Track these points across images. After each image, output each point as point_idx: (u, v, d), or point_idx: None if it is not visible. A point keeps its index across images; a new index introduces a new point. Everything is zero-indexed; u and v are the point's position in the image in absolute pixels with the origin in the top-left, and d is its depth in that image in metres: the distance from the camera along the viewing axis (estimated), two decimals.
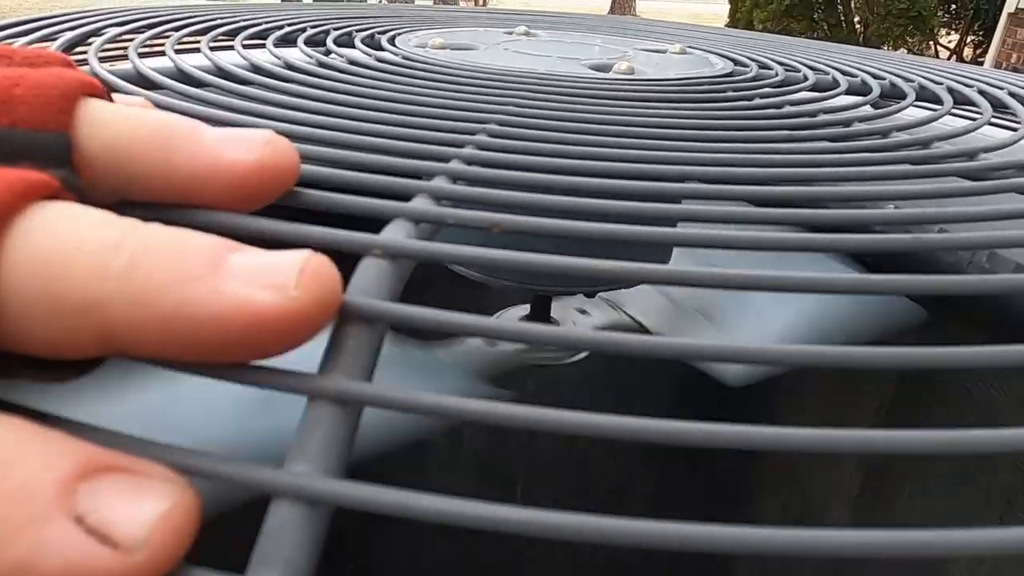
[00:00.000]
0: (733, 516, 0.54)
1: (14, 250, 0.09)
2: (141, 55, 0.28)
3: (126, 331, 0.09)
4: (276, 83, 0.25)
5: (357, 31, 0.40)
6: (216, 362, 0.10)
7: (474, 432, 0.49)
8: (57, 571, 0.08)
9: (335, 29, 0.41)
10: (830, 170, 0.19)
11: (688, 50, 0.42)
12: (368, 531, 0.49)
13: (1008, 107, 0.32)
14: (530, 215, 0.13)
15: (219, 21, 0.39)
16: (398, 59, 0.33)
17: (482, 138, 0.19)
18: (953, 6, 5.51)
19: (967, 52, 5.60)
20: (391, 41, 0.37)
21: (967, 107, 0.33)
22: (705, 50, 0.43)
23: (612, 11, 8.09)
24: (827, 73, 0.37)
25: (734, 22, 5.64)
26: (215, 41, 0.35)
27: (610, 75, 0.33)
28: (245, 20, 0.40)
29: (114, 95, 0.15)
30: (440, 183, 0.16)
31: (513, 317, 0.42)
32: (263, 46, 0.34)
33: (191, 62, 0.28)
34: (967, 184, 0.20)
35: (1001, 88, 0.35)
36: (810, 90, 0.34)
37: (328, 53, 0.35)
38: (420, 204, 0.14)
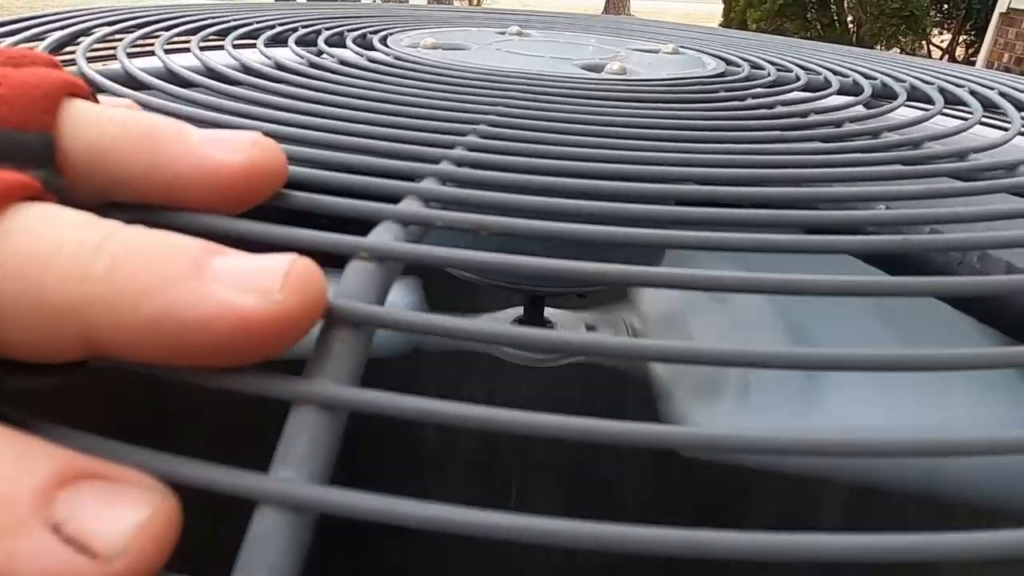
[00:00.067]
0: (727, 516, 0.54)
1: None
2: (130, 55, 0.28)
3: (107, 334, 0.09)
4: (266, 83, 0.25)
5: (349, 31, 0.40)
6: (199, 366, 0.09)
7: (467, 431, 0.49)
8: None
9: (327, 29, 0.40)
10: (821, 171, 0.19)
11: (680, 50, 0.42)
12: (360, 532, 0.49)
13: (999, 107, 0.32)
14: (519, 216, 0.13)
15: (209, 21, 0.39)
16: (389, 59, 0.32)
17: (472, 139, 0.19)
18: (945, 6, 5.54)
19: (959, 52, 5.63)
20: (383, 41, 0.37)
21: (958, 107, 0.33)
22: (698, 50, 0.43)
23: (606, 11, 8.10)
24: (819, 73, 0.37)
25: (728, 22, 5.66)
26: (205, 41, 0.34)
27: (602, 75, 0.33)
28: (236, 20, 0.40)
29: (100, 96, 0.15)
30: (429, 184, 0.16)
31: (507, 317, 0.42)
32: (254, 46, 0.34)
33: (180, 62, 0.27)
34: (958, 184, 0.20)
35: (992, 88, 0.35)
36: (802, 90, 0.34)
37: (319, 53, 0.35)
38: (408, 206, 0.14)
